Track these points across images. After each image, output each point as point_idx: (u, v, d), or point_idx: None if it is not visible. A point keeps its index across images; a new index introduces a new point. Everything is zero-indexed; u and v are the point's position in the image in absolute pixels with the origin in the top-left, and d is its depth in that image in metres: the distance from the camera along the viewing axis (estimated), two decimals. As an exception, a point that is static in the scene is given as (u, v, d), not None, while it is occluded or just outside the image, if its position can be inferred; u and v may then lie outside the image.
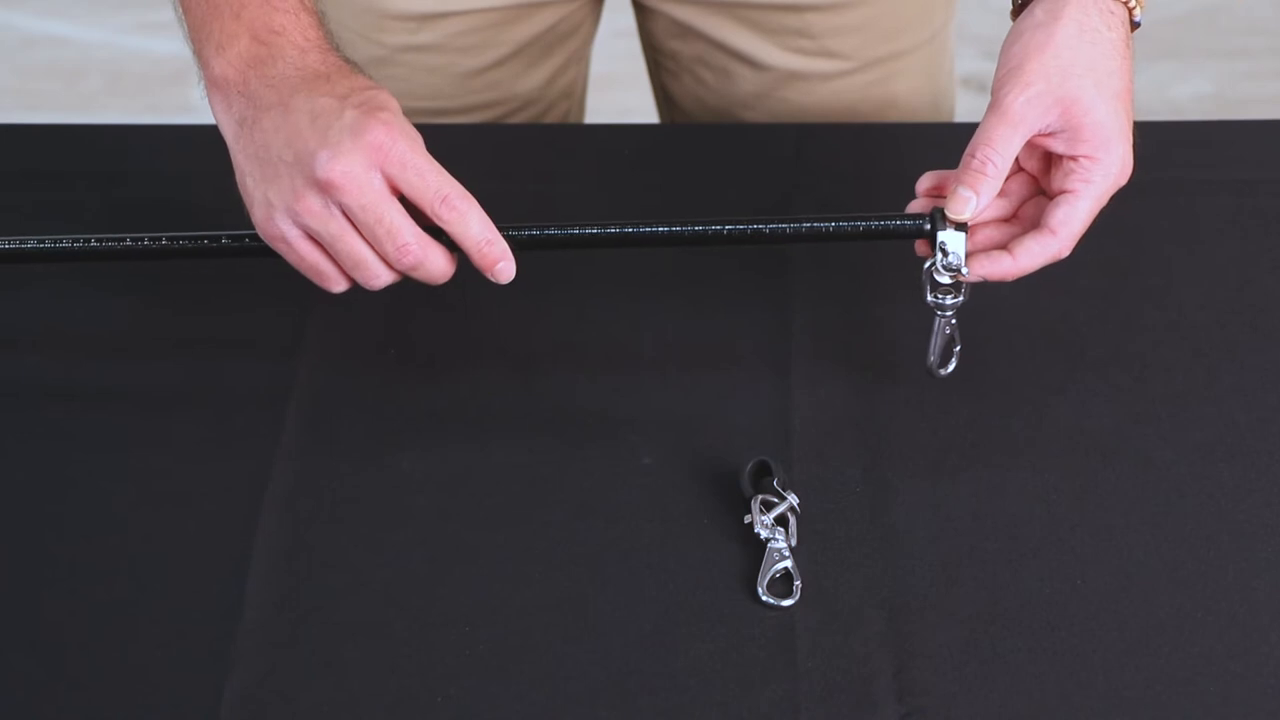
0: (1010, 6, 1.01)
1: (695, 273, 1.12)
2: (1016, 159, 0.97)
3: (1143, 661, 0.91)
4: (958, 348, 1.00)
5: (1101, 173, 0.96)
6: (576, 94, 1.37)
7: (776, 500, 0.97)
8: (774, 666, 0.91)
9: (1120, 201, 1.18)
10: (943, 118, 1.36)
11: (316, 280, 0.97)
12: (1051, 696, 0.89)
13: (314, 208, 0.93)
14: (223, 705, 0.89)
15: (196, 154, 1.09)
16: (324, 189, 0.92)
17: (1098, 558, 0.96)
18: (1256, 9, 2.62)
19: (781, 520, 0.96)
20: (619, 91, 1.85)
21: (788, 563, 0.94)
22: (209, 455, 1.02)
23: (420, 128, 0.96)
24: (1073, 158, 0.96)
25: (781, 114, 1.29)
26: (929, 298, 0.98)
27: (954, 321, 0.99)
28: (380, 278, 0.95)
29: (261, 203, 0.95)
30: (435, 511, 0.99)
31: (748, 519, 0.96)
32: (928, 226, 0.97)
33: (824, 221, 0.99)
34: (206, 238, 1.00)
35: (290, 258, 0.96)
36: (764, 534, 0.95)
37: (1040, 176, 0.99)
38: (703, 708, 0.89)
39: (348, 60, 0.98)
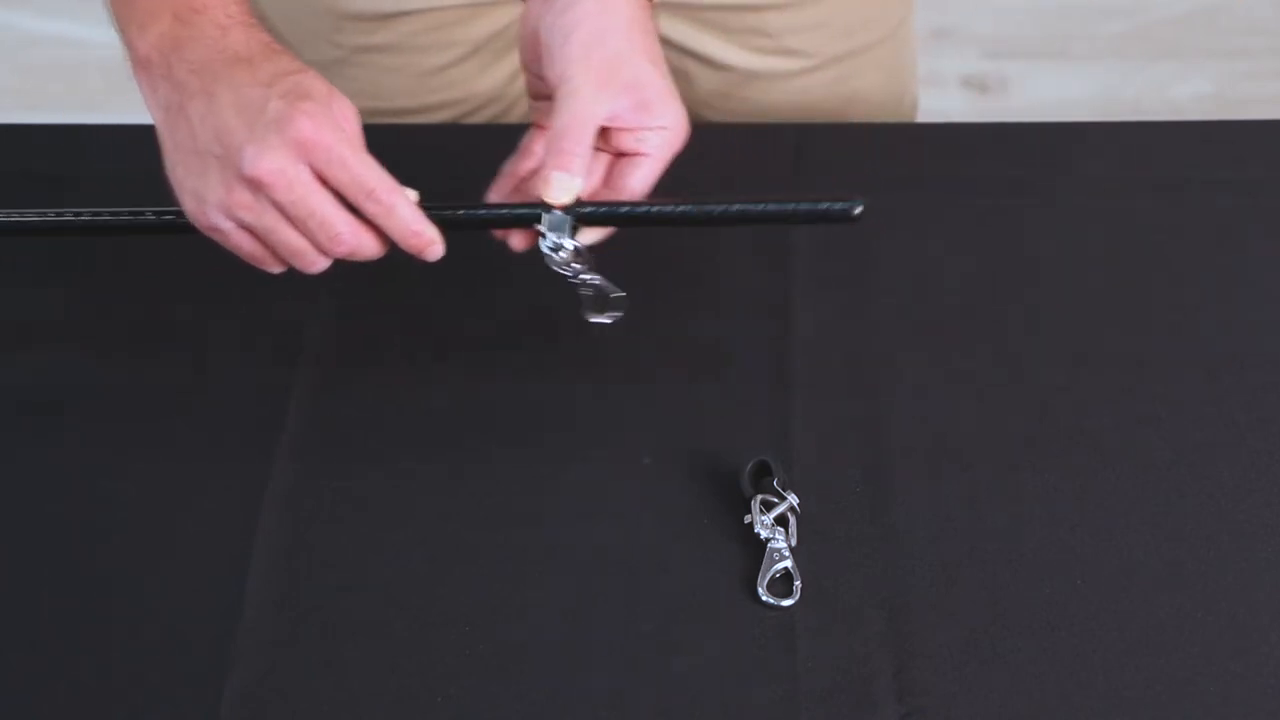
0: None
1: (696, 272, 1.12)
2: None
3: (1143, 661, 0.91)
4: (616, 294, 0.98)
5: (674, 139, 0.98)
6: None
7: (776, 500, 0.97)
8: (774, 666, 0.91)
9: (1121, 201, 1.18)
10: (906, 114, 1.36)
11: (255, 264, 0.97)
12: (1051, 696, 0.89)
13: (246, 202, 0.93)
14: (223, 705, 0.89)
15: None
16: (253, 185, 0.92)
17: (1098, 558, 0.96)
18: (1256, 9, 2.62)
19: (781, 520, 0.96)
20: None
21: (788, 563, 0.94)
22: (209, 455, 1.02)
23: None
24: (647, 128, 0.97)
25: (744, 114, 1.30)
26: (556, 269, 0.96)
27: (595, 280, 0.97)
28: (317, 264, 0.96)
29: (192, 194, 0.94)
30: (435, 511, 0.99)
31: (748, 519, 0.96)
32: (535, 212, 0.96)
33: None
34: (155, 212, 1.00)
35: (227, 246, 0.96)
36: (764, 534, 0.95)
37: (601, 139, 0.98)
38: (703, 708, 0.89)
39: (273, 38, 0.97)
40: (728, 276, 1.12)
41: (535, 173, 0.98)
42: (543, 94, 1.00)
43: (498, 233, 0.99)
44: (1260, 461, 1.01)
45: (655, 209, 0.98)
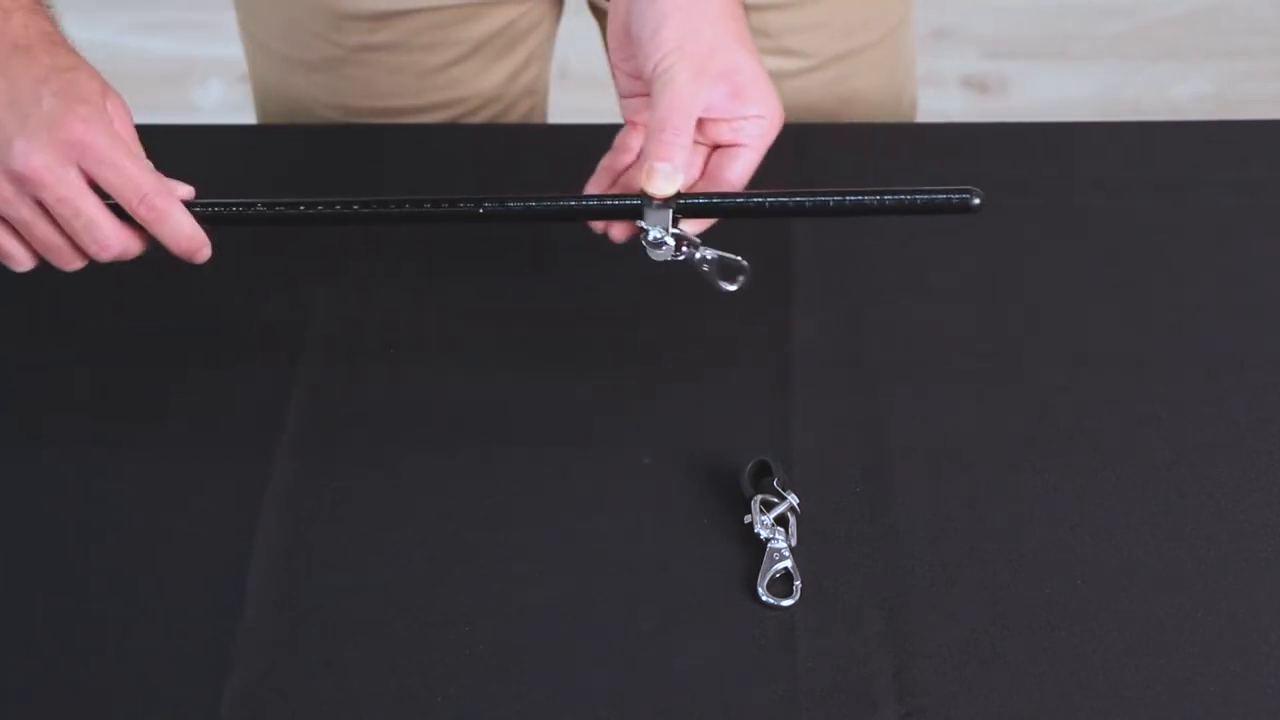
0: None
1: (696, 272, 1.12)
2: None
3: (1143, 661, 0.91)
4: (740, 259, 0.96)
5: (770, 128, 0.96)
6: (539, 92, 1.37)
7: (776, 500, 0.97)
8: (774, 666, 0.91)
9: (1121, 201, 1.18)
10: (904, 113, 1.36)
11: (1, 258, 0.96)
12: (1051, 696, 0.89)
13: (5, 194, 0.92)
14: (223, 705, 0.89)
15: (196, 154, 1.09)
16: (19, 180, 0.92)
17: (1098, 558, 0.96)
18: (1256, 9, 2.62)
19: (781, 520, 0.96)
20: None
21: (788, 563, 0.94)
22: (209, 455, 1.02)
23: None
24: (743, 117, 0.96)
25: None
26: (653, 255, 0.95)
27: (710, 256, 0.96)
28: (74, 263, 0.95)
29: None
30: (435, 511, 0.99)
31: (748, 519, 0.96)
32: (636, 203, 0.95)
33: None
34: None
35: None
36: (764, 534, 0.95)
37: (697, 131, 0.97)
38: (703, 708, 0.89)
39: (55, 25, 0.96)
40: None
41: (632, 168, 0.97)
42: (635, 91, 0.99)
43: (598, 226, 0.97)
44: (1260, 461, 1.01)
45: (765, 200, 0.96)
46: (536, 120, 1.40)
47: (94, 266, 0.97)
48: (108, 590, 0.95)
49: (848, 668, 0.91)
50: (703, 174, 0.97)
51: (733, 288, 0.97)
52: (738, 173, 0.96)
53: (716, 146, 0.97)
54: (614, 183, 0.99)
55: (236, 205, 0.97)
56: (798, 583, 0.94)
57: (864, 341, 1.08)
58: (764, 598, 0.93)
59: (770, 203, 0.96)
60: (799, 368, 1.06)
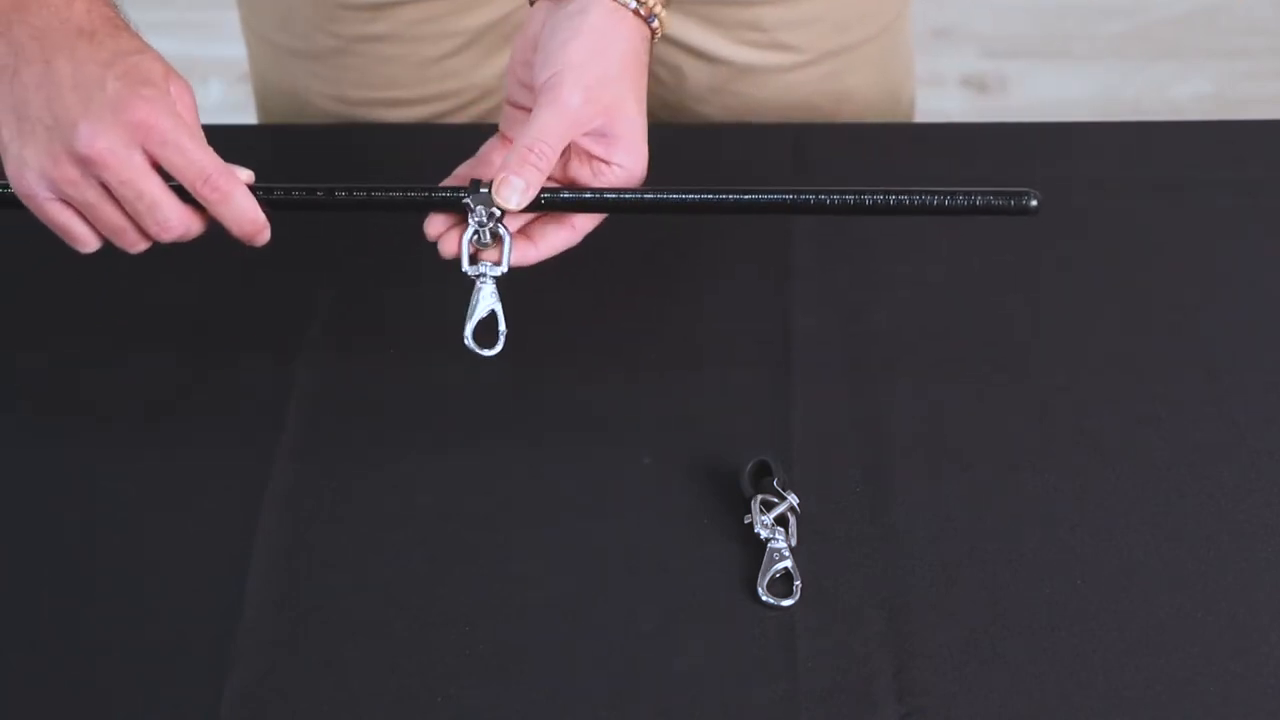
0: None
1: (697, 272, 1.12)
2: None
3: (1143, 661, 0.91)
4: (503, 329, 0.97)
5: (627, 176, 0.97)
6: None
7: (776, 500, 0.97)
8: (774, 666, 0.91)
9: (1121, 201, 1.18)
10: (901, 111, 1.36)
11: (65, 239, 0.96)
12: (1051, 696, 0.89)
13: (71, 176, 0.93)
14: (223, 705, 0.89)
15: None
16: (83, 163, 0.92)
17: (1098, 558, 0.96)
18: (1256, 9, 2.62)
19: (781, 520, 0.96)
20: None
21: (788, 563, 0.94)
22: (209, 455, 1.02)
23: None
24: (605, 160, 0.97)
25: (736, 108, 1.30)
26: (466, 268, 0.97)
27: (493, 300, 0.97)
28: (138, 245, 0.96)
29: (15, 158, 0.94)
30: (435, 511, 0.99)
31: (748, 519, 0.96)
32: (466, 199, 0.96)
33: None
34: None
35: (38, 214, 0.95)
36: (764, 534, 0.95)
37: (560, 167, 0.98)
38: (703, 708, 0.89)
39: (117, 9, 0.97)
40: (728, 276, 1.12)
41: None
42: (518, 102, 1.00)
43: (430, 232, 0.97)
44: (1260, 461, 1.01)
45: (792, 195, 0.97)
46: None
47: (104, 259, 0.97)
48: (108, 590, 0.95)
49: (848, 668, 0.91)
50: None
51: (481, 352, 0.97)
52: (584, 218, 0.98)
53: (567, 179, 0.98)
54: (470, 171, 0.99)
55: (297, 190, 0.97)
56: (798, 583, 0.94)
57: (864, 341, 1.08)
58: (764, 598, 0.93)
59: (815, 199, 0.97)
60: (799, 367, 1.06)
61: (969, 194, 0.95)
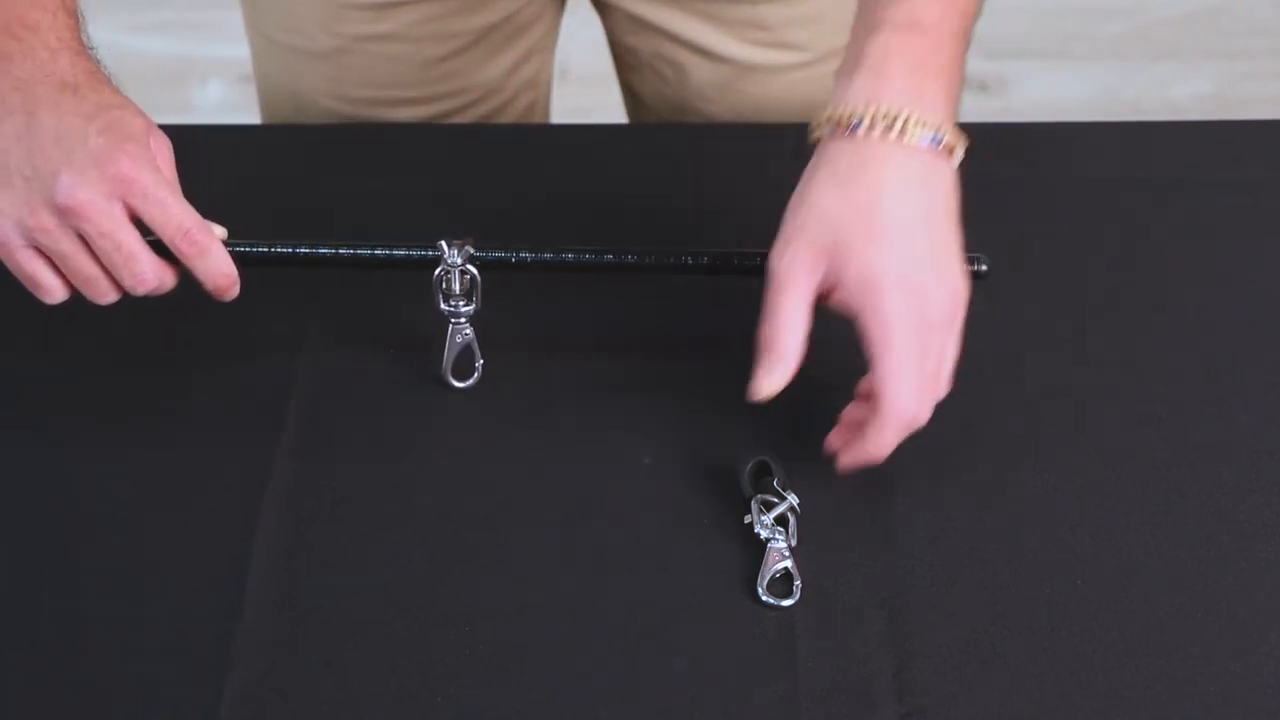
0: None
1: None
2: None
3: (1143, 661, 0.91)
4: (479, 361, 1.03)
5: (885, 324, 0.92)
6: (541, 85, 1.38)
7: (776, 500, 0.97)
8: (774, 666, 0.91)
9: (1121, 201, 1.18)
10: None
11: (31, 289, 0.97)
12: (1051, 696, 0.89)
13: (47, 226, 0.93)
14: (223, 705, 0.89)
15: (196, 154, 1.08)
16: (62, 213, 0.93)
17: (1098, 558, 0.96)
18: (1256, 9, 2.62)
19: (781, 520, 0.96)
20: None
21: (788, 563, 0.94)
22: (209, 455, 1.02)
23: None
24: (858, 316, 0.93)
25: (741, 106, 1.30)
26: (441, 305, 1.01)
27: (469, 331, 1.02)
28: (109, 295, 0.97)
29: None
30: (435, 511, 0.99)
31: (748, 519, 0.96)
32: (439, 245, 1.01)
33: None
34: None
35: (7, 262, 0.96)
36: (764, 534, 0.95)
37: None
38: (703, 708, 0.89)
39: (99, 64, 0.98)
40: (728, 276, 1.12)
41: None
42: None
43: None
44: (1260, 461, 1.01)
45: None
46: (539, 114, 1.40)
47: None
48: (108, 590, 0.95)
49: (848, 668, 0.91)
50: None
51: (458, 384, 1.04)
52: (877, 381, 0.93)
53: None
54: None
55: (264, 247, 1.00)
56: (798, 583, 0.94)
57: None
58: (764, 598, 0.93)
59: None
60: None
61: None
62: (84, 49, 0.98)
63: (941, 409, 1.03)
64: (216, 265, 0.96)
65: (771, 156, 1.21)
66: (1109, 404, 1.04)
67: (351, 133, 1.28)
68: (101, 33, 1.03)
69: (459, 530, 0.98)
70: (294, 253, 1.01)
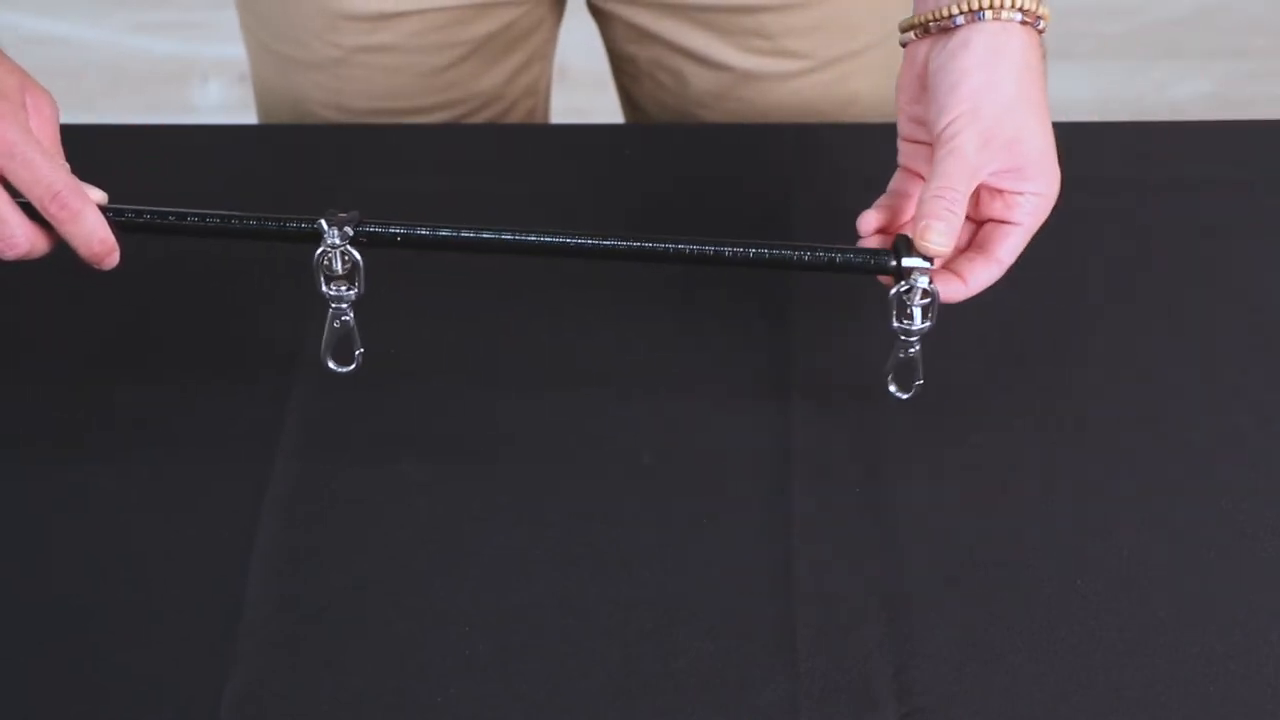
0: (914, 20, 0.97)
1: (698, 274, 1.12)
2: None
3: (1143, 661, 0.91)
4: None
5: (1045, 205, 0.96)
6: (541, 91, 1.38)
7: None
8: (774, 666, 0.91)
9: (1121, 201, 1.18)
10: None
11: None
12: (1051, 696, 0.89)
13: None
14: (223, 705, 0.89)
15: (195, 154, 1.09)
16: None
17: (1098, 558, 0.96)
18: (1256, 9, 2.62)
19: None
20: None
21: (914, 349, 0.95)
22: (210, 456, 1.02)
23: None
24: (1018, 192, 0.96)
25: (741, 114, 1.30)
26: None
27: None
28: None
29: None
30: (435, 512, 0.99)
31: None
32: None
33: (785, 249, 0.98)
34: None
35: None
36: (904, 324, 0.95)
37: (971, 200, 0.97)
38: (703, 708, 0.89)
39: None
40: (728, 276, 1.12)
41: (908, 221, 0.97)
42: (915, 137, 0.98)
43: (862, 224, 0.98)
44: (1260, 461, 1.01)
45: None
46: (539, 119, 1.40)
47: (87, 272, 0.96)
48: (109, 591, 0.95)
49: (848, 668, 0.91)
50: (969, 245, 0.97)
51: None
52: (1007, 250, 0.96)
53: (987, 220, 0.97)
54: (892, 224, 0.98)
55: (148, 213, 0.95)
56: (919, 380, 0.96)
57: (864, 342, 1.08)
58: (890, 388, 0.96)
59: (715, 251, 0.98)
60: (799, 368, 1.06)
61: (833, 251, 0.96)
62: None
63: (942, 408, 1.04)
64: (89, 230, 0.93)
65: (772, 156, 1.21)
66: (1109, 404, 1.04)
67: (351, 133, 1.28)
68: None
69: (459, 530, 0.98)
70: (180, 222, 0.95)
